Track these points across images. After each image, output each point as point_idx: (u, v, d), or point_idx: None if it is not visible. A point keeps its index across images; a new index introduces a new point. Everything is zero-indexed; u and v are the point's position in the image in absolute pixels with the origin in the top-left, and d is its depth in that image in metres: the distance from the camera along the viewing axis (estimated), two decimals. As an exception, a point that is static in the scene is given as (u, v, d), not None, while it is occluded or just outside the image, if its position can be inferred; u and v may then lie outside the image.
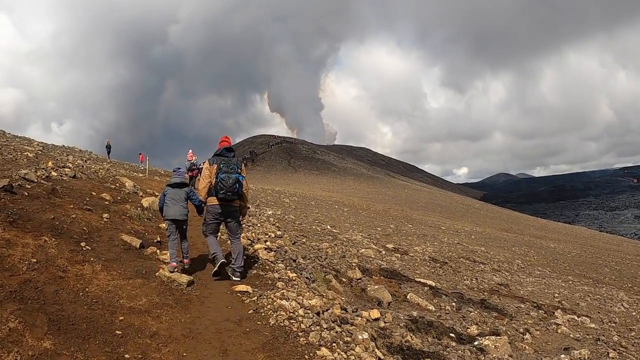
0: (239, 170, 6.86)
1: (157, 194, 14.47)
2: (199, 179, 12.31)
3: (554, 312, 13.11)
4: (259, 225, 13.00)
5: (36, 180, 9.47)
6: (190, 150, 22.39)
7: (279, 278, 7.05)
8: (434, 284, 13.18)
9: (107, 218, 8.37)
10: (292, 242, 11.89)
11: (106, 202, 9.74)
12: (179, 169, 7.75)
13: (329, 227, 20.18)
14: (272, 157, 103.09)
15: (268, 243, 9.78)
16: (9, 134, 32.45)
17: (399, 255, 16.91)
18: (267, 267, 7.71)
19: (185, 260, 7.06)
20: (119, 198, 10.99)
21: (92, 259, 6.08)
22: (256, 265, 7.68)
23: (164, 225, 8.26)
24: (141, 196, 13.39)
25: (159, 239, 8.14)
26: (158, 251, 7.28)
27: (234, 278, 6.80)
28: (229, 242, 7.38)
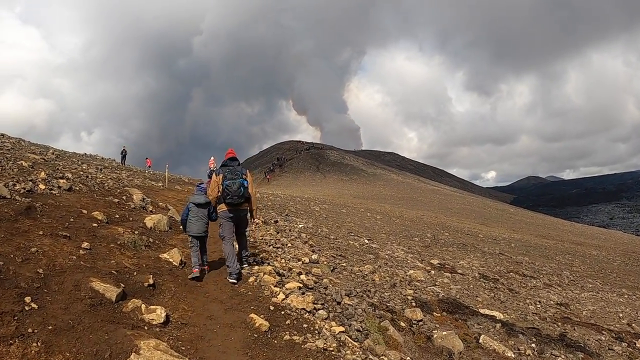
0: (243, 176, 7.20)
1: (170, 207, 12.42)
2: None
3: (635, 343, 11.34)
4: (289, 245, 10.79)
5: (9, 197, 7.45)
6: (212, 158, 20.49)
7: (324, 349, 4.68)
8: (502, 317, 11.04)
9: (86, 249, 6.21)
10: (331, 267, 9.63)
11: (95, 224, 7.61)
12: (201, 184, 7.78)
13: (366, 240, 18.12)
14: (300, 163, 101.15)
15: (303, 276, 7.53)
16: (27, 141, 31.10)
17: (450, 275, 14.81)
18: (304, 323, 5.39)
19: (195, 270, 6.97)
20: (117, 216, 8.88)
21: (30, 329, 3.82)
22: (289, 322, 5.35)
23: (165, 256, 7.22)
24: (151, 211, 11.31)
25: (151, 282, 5.81)
26: (144, 306, 4.86)
27: (242, 266, 7.22)
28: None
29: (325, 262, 9.91)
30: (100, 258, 6.07)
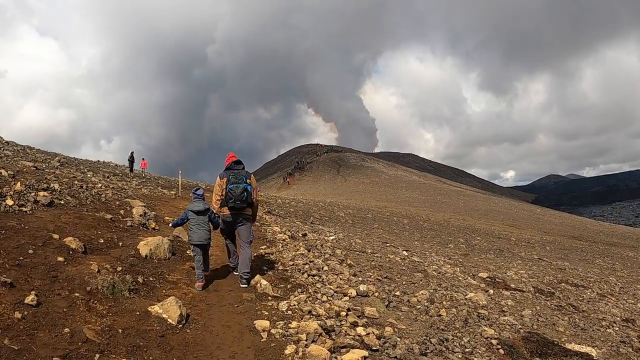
0: (247, 180, 7.02)
1: (178, 223, 10.23)
2: None
3: None
4: (325, 268, 8.51)
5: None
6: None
7: None
8: (595, 353, 8.74)
9: (30, 306, 3.96)
10: (385, 302, 7.34)
11: (61, 258, 5.34)
12: (198, 189, 7.39)
13: (404, 252, 15.96)
14: (319, 166, 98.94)
15: (360, 329, 5.20)
16: (35, 149, 29.39)
17: (509, 294, 12.62)
18: None
19: (206, 273, 6.84)
20: (101, 241, 6.65)
21: None
22: None
23: (157, 309, 4.88)
24: (153, 229, 9.11)
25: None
26: None
27: (241, 285, 6.80)
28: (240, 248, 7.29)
29: (375, 294, 7.64)
30: (47, 325, 3.78)
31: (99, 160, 37.66)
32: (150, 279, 5.72)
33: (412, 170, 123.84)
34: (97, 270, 5.14)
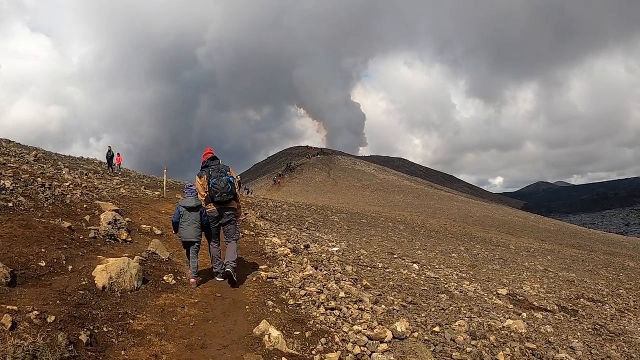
0: (227, 172, 6.97)
1: (158, 231, 8.39)
2: None
3: None
4: (342, 295, 6.73)
5: None
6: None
7: None
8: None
9: None
10: (430, 347, 5.57)
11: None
12: (191, 186, 7.13)
13: (416, 266, 14.48)
14: (310, 169, 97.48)
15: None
16: (14, 142, 27.47)
17: (542, 317, 11.25)
18: None
19: (193, 281, 6.50)
20: (42, 265, 4.72)
21: None
22: None
23: None
24: (125, 241, 7.24)
25: None
26: None
27: (226, 269, 6.72)
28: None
29: (414, 334, 5.86)
30: None
31: (82, 157, 35.61)
32: (105, 329, 3.70)
33: (403, 174, 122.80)
34: (10, 325, 3.15)
